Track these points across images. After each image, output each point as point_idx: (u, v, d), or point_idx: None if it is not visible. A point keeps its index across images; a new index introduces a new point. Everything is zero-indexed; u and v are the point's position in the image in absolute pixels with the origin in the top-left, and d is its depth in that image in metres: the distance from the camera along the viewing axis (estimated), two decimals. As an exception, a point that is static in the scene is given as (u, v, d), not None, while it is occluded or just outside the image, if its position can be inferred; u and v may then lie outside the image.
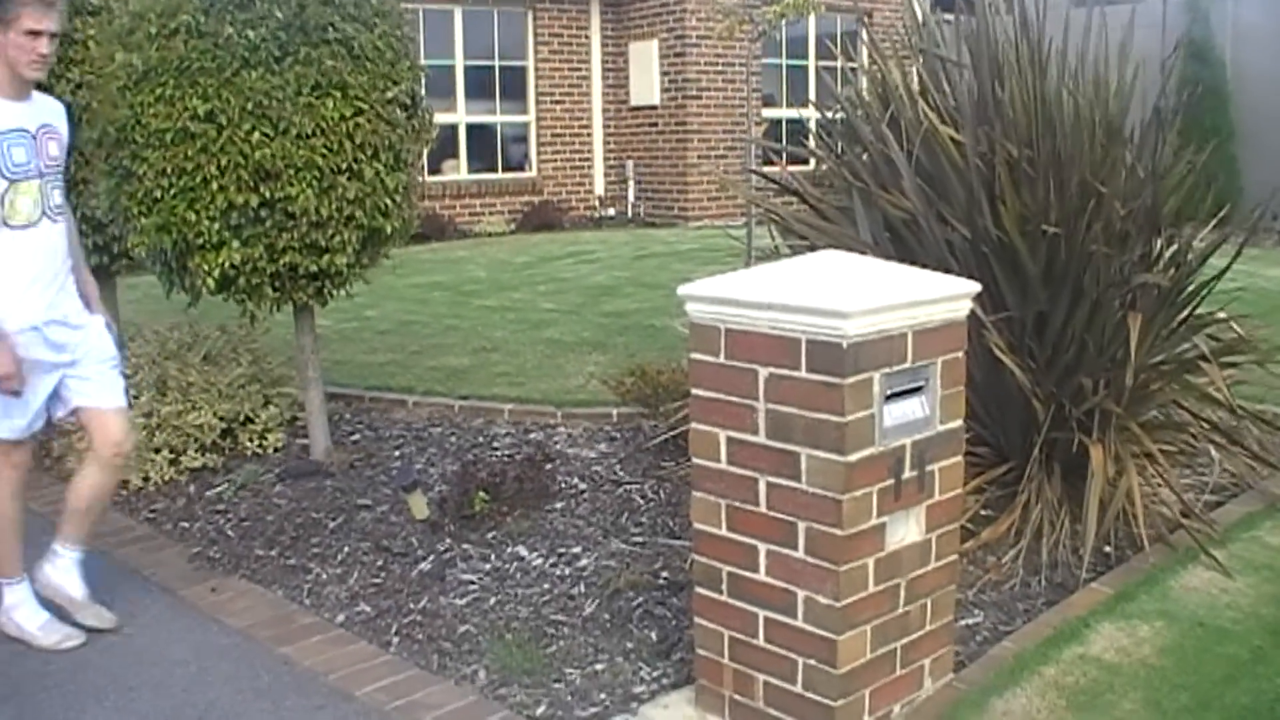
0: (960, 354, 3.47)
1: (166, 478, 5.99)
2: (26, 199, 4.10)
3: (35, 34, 4.01)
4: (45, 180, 4.18)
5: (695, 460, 3.52)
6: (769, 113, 17.16)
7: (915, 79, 5.35)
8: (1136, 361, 4.55)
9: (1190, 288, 4.97)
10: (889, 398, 3.25)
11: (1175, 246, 4.95)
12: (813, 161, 6.17)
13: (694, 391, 3.49)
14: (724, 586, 3.50)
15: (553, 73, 17.10)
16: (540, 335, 8.78)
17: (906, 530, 3.39)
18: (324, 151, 5.34)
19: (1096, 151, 4.73)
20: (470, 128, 16.57)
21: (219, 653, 4.28)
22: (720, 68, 16.80)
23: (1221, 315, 5.22)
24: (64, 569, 4.45)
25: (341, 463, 6.07)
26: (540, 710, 3.79)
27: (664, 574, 4.67)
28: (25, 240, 4.12)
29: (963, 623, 4.08)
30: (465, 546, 5.02)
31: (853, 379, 3.12)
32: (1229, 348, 5.20)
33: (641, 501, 5.41)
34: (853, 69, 5.81)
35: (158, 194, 5.34)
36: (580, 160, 17.53)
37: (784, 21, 8.50)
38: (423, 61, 6.07)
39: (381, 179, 5.54)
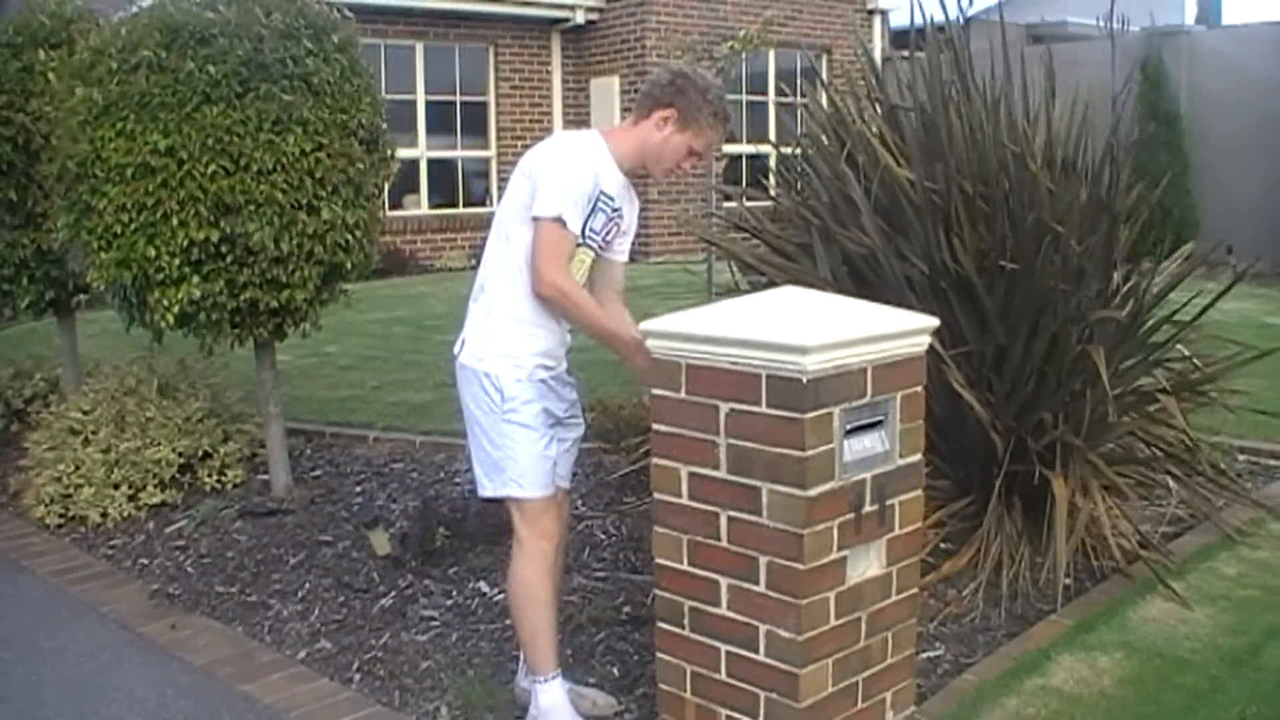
0: (920, 388, 3.49)
1: (125, 514, 5.94)
2: (581, 266, 3.73)
3: (694, 154, 3.79)
4: (596, 257, 3.80)
5: (656, 495, 3.53)
6: (729, 148, 17.21)
7: (871, 117, 5.40)
8: (1099, 393, 4.59)
9: (1148, 322, 5.02)
10: (849, 432, 3.27)
11: (1131, 282, 5.00)
12: (772, 198, 6.20)
13: (655, 426, 3.50)
14: (686, 621, 3.51)
15: (514, 108, 17.13)
16: (502, 370, 8.75)
17: (867, 564, 3.41)
18: (284, 187, 5.34)
19: (1045, 188, 4.77)
20: (431, 162, 16.55)
21: (179, 690, 4.25)
22: (681, 103, 16.85)
23: (1180, 349, 5.27)
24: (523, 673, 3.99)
25: (302, 499, 6.05)
26: (503, 746, 3.79)
27: (626, 609, 4.67)
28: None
29: (924, 655, 4.10)
30: (427, 582, 5.01)
31: (813, 414, 3.14)
32: (1186, 381, 5.25)
33: (603, 536, 5.41)
34: (806, 106, 5.84)
35: (117, 229, 5.33)
36: (541, 195, 17.48)
37: (741, 56, 8.56)
38: (384, 96, 6.07)
39: (342, 215, 5.54)
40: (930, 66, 5.13)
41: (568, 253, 3.62)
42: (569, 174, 3.59)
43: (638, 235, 4.08)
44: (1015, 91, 5.12)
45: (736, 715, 3.42)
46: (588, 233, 3.68)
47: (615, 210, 3.76)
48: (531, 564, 3.77)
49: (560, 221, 3.56)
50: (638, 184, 3.93)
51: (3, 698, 4.22)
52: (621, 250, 3.92)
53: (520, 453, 3.69)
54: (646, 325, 3.47)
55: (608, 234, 3.78)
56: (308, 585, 5.07)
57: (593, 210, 3.66)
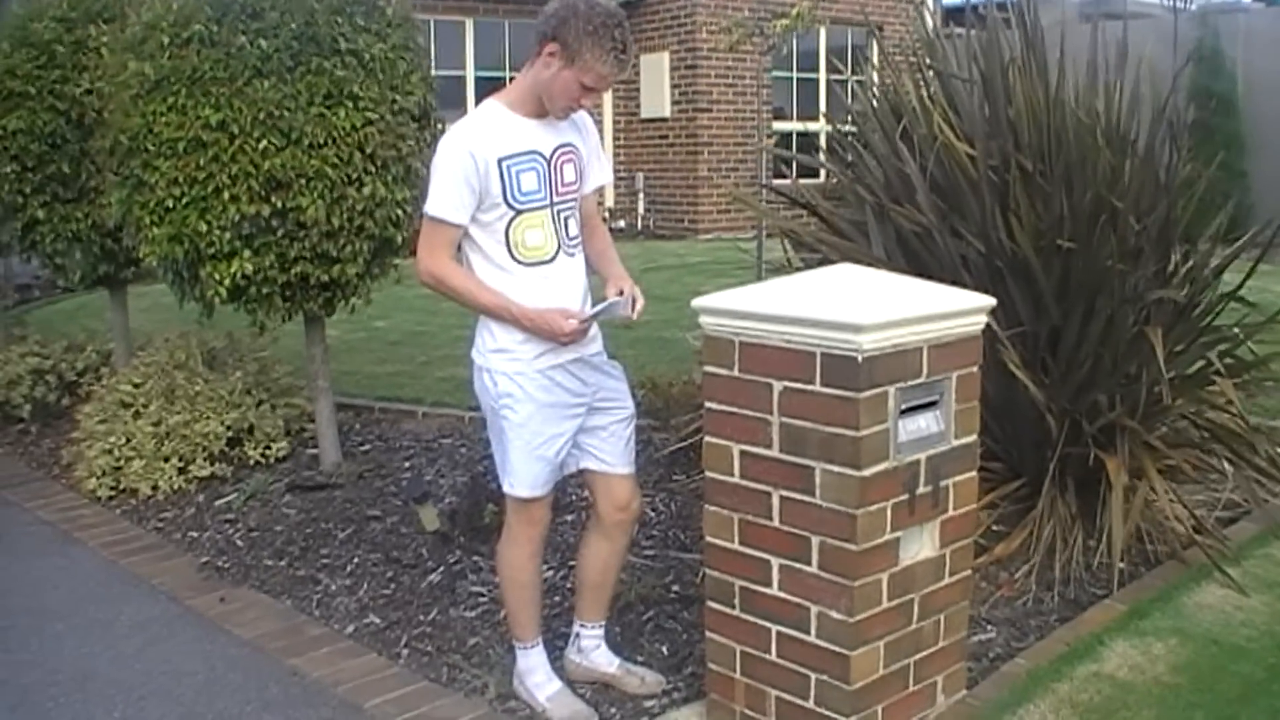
0: (975, 369, 3.45)
1: (175, 487, 5.98)
2: (536, 232, 3.60)
3: (589, 90, 3.51)
4: (557, 209, 3.65)
5: (707, 473, 3.51)
6: (779, 125, 17.13)
7: (928, 93, 5.33)
8: (1154, 375, 4.52)
9: (1203, 303, 4.94)
10: (903, 412, 3.23)
11: (1191, 262, 4.93)
12: (824, 175, 6.16)
13: (707, 404, 3.48)
14: (736, 601, 3.49)
15: (563, 84, 17.07)
16: (550, 347, 8.75)
17: (920, 545, 3.38)
18: (335, 162, 5.33)
19: (1107, 165, 4.70)
20: (480, 139, 16.55)
21: (228, 663, 4.27)
22: (731, 80, 16.80)
23: (1235, 330, 5.19)
24: (590, 648, 4.03)
25: (351, 473, 6.06)
26: (550, 724, 3.78)
27: (675, 587, 4.66)
28: (536, 277, 3.62)
29: (975, 639, 4.05)
30: (475, 558, 5.01)
31: (867, 393, 3.11)
32: (1243, 363, 5.17)
33: (652, 514, 5.39)
34: (859, 83, 5.77)
35: (169, 203, 5.34)
36: (590, 172, 17.47)
37: (793, 34, 8.49)
38: (434, 72, 6.05)
39: (392, 190, 5.53)
40: (990, 39, 5.06)
41: (445, 243, 3.62)
42: (437, 170, 3.59)
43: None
44: (1069, 67, 5.04)
45: (786, 696, 3.40)
46: (517, 198, 3.56)
47: (548, 158, 3.62)
48: (515, 548, 3.86)
49: (430, 218, 3.60)
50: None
51: (54, 669, 4.26)
52: (597, 178, 3.86)
53: (511, 451, 3.70)
54: (698, 302, 3.44)
55: (558, 182, 3.65)
56: (356, 560, 5.08)
57: (504, 179, 3.54)
